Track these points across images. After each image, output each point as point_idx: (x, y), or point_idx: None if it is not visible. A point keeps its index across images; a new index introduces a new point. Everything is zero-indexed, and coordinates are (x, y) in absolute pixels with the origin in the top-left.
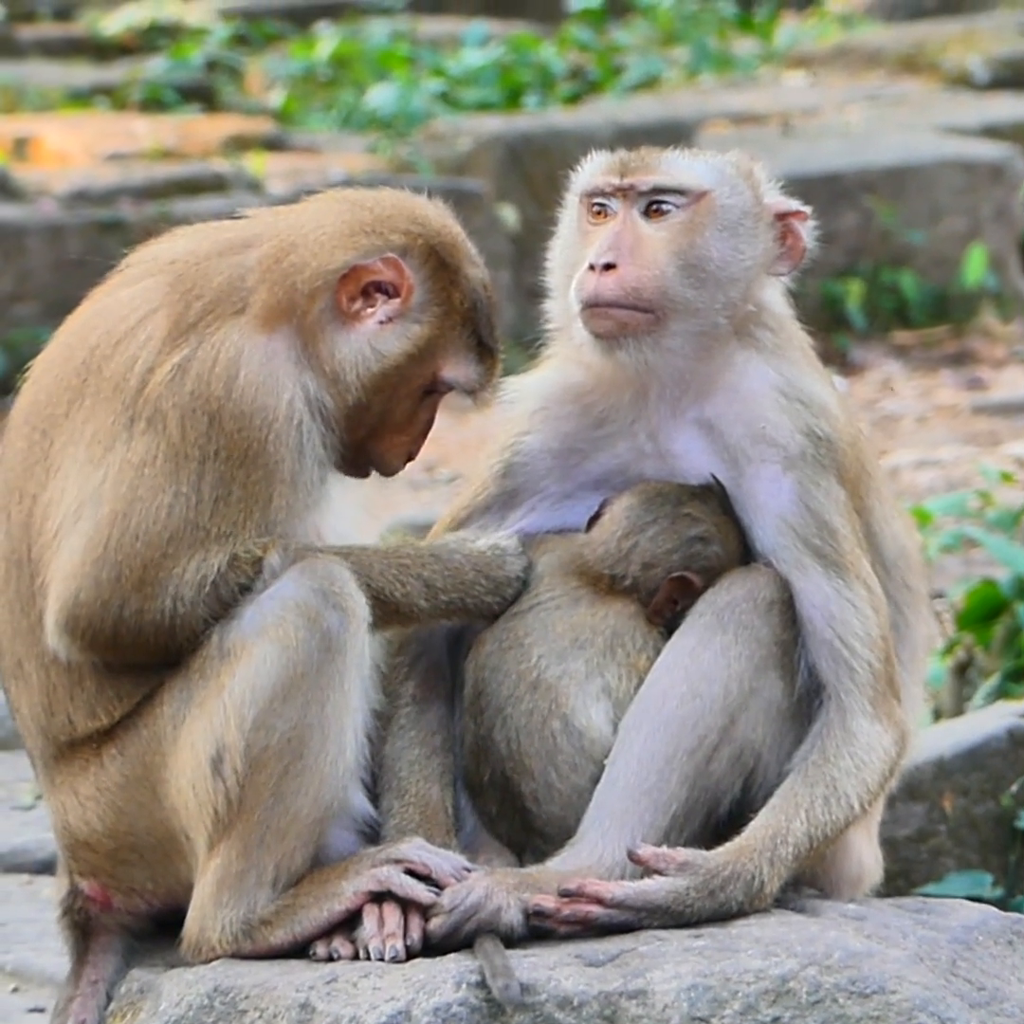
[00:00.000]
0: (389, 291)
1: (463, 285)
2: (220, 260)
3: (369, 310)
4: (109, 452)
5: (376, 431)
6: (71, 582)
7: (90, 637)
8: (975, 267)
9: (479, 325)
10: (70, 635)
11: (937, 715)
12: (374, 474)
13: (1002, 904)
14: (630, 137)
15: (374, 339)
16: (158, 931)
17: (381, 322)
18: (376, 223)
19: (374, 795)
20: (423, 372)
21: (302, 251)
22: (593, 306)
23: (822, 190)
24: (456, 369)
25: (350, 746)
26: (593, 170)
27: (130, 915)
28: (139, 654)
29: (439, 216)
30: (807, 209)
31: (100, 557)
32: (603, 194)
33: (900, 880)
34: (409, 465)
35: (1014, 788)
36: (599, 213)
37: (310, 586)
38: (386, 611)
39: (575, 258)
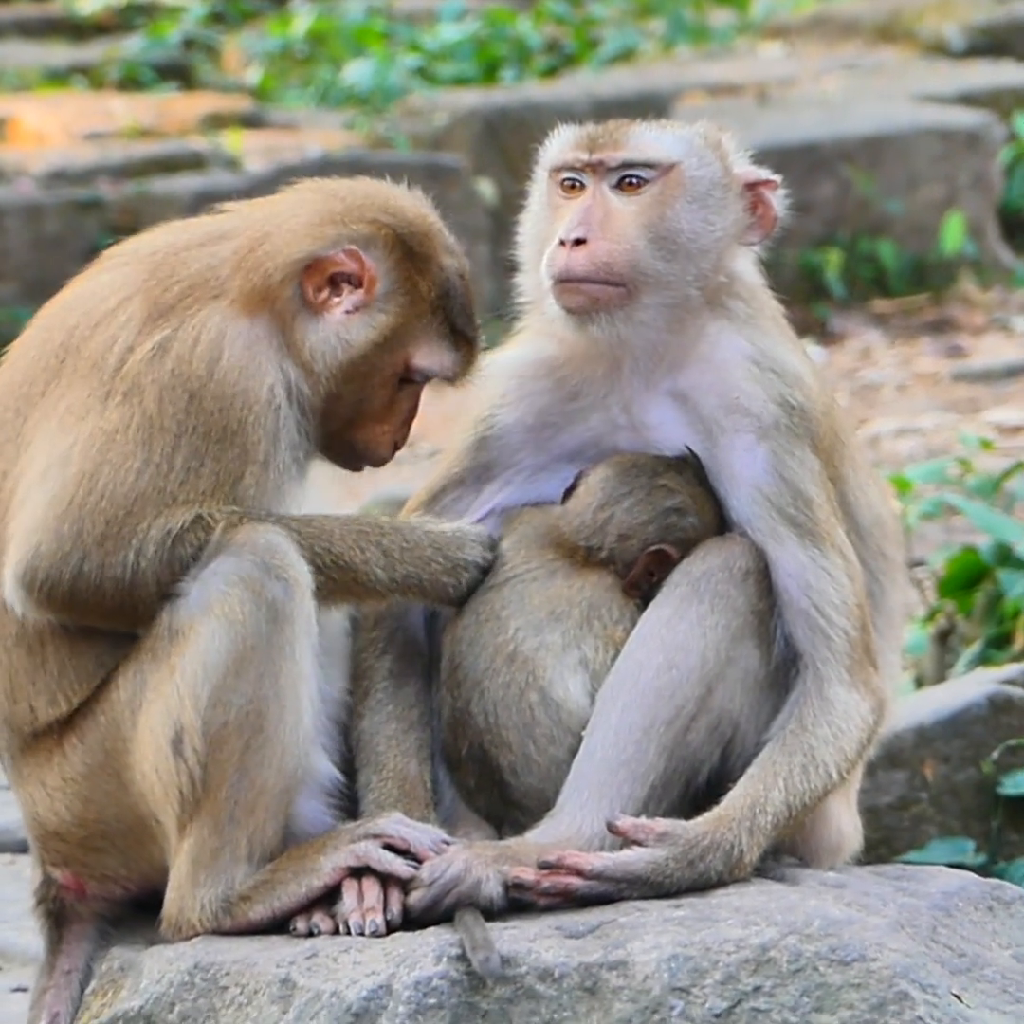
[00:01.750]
0: (354, 281)
1: (433, 274)
2: (198, 250)
3: (336, 300)
4: (81, 421)
5: (355, 421)
6: (32, 536)
7: (47, 591)
8: (953, 235)
9: (452, 313)
10: (27, 589)
11: (919, 683)
12: (366, 466)
13: (984, 871)
14: (607, 110)
15: (341, 329)
16: (134, 915)
17: (347, 312)
18: (345, 213)
19: (343, 767)
20: (393, 361)
21: (274, 240)
22: (564, 281)
23: (799, 160)
24: (429, 357)
25: (307, 712)
26: (562, 145)
27: (105, 901)
28: (95, 614)
29: (413, 205)
30: (777, 178)
31: (63, 512)
32: (573, 169)
33: (882, 848)
34: (397, 453)
35: (995, 755)
36: (570, 187)
37: (251, 560)
38: (344, 578)
39: (546, 233)
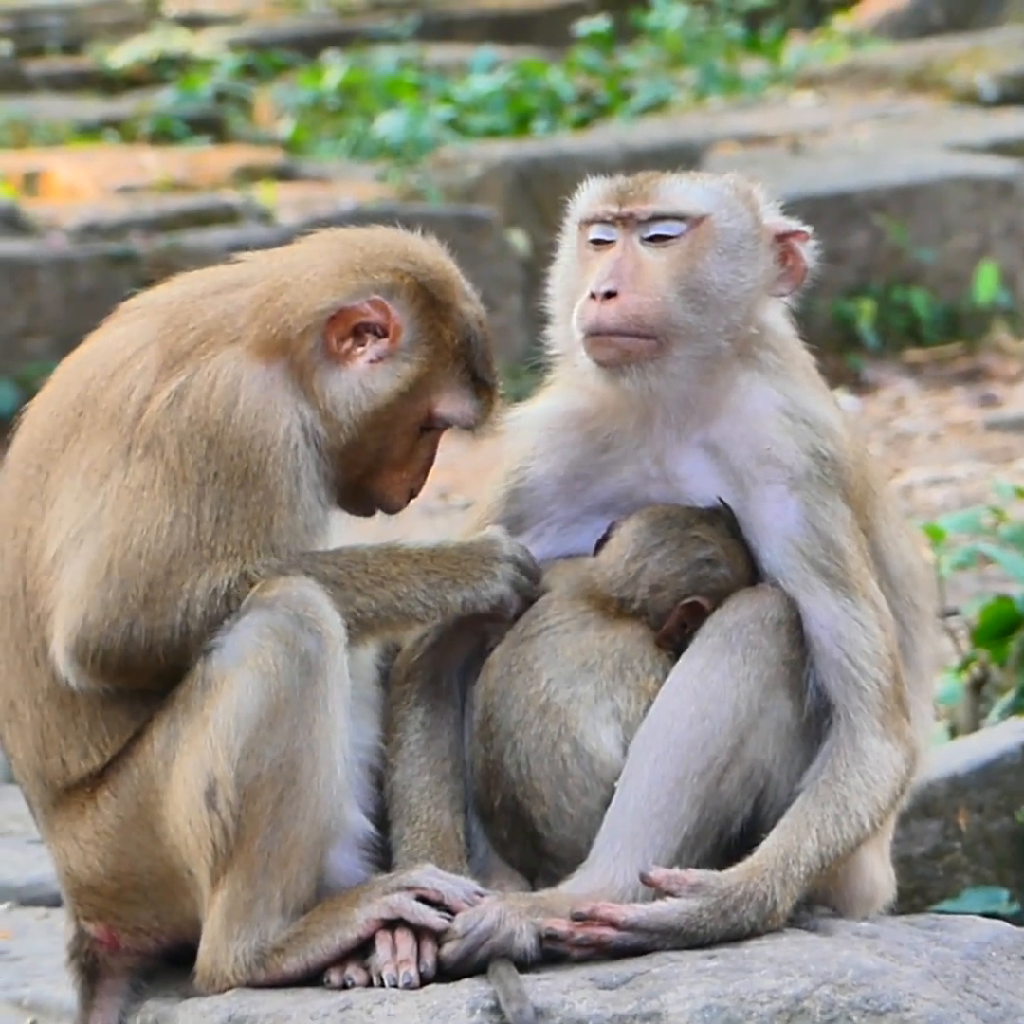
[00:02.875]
0: (378, 331)
1: (455, 322)
2: (214, 298)
3: (359, 350)
4: (106, 480)
5: (374, 469)
6: (78, 606)
7: (100, 660)
8: (986, 284)
9: (473, 361)
10: (80, 661)
11: (953, 732)
12: (379, 512)
13: (1018, 920)
14: (639, 160)
15: (364, 378)
16: (167, 968)
17: (371, 361)
18: (365, 263)
19: (376, 818)
20: (416, 409)
21: (293, 291)
22: (595, 334)
23: (832, 209)
24: (451, 405)
25: (340, 765)
26: (591, 198)
27: (138, 955)
28: (149, 677)
29: (431, 253)
30: (807, 229)
31: (104, 579)
32: (602, 222)
33: (916, 897)
34: (412, 502)
35: None
36: (599, 240)
37: (285, 612)
38: (386, 595)
39: (576, 285)
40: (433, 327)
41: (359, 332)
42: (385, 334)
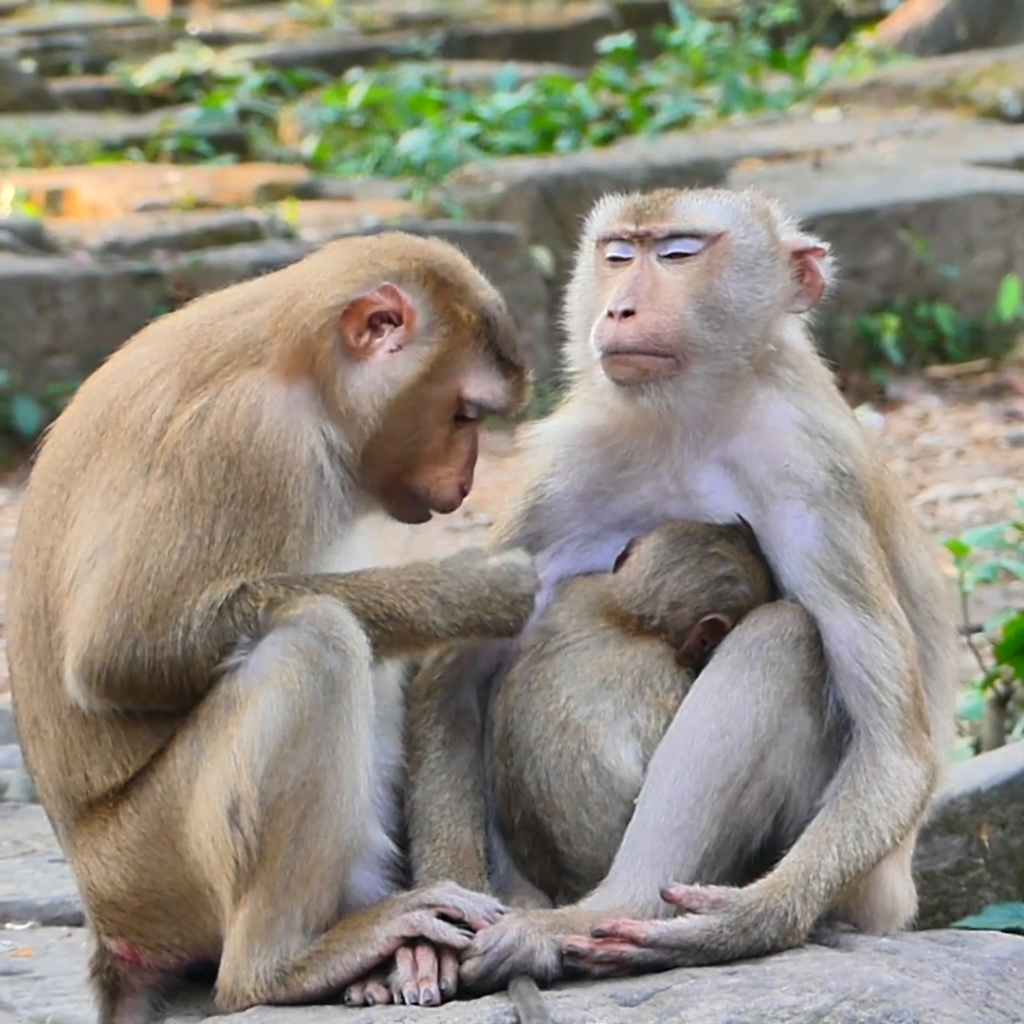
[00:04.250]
0: (394, 320)
1: (470, 301)
2: (233, 318)
3: (377, 341)
4: (124, 498)
5: (412, 464)
6: (86, 629)
7: (105, 681)
8: (1010, 300)
9: (495, 339)
10: (86, 682)
11: (977, 749)
12: (434, 514)
13: None
14: (663, 177)
15: (386, 368)
16: (188, 986)
17: (391, 351)
18: (373, 256)
19: (397, 837)
20: (443, 393)
21: (307, 296)
22: (613, 353)
23: (856, 226)
24: (479, 387)
25: (363, 784)
26: (608, 216)
27: (159, 972)
28: (156, 698)
29: (439, 245)
30: (824, 246)
31: (112, 602)
32: (619, 240)
33: (939, 913)
34: (464, 499)
35: None
36: (616, 258)
37: (309, 630)
38: (401, 629)
39: (593, 303)
40: (448, 307)
41: (375, 323)
42: (401, 321)
